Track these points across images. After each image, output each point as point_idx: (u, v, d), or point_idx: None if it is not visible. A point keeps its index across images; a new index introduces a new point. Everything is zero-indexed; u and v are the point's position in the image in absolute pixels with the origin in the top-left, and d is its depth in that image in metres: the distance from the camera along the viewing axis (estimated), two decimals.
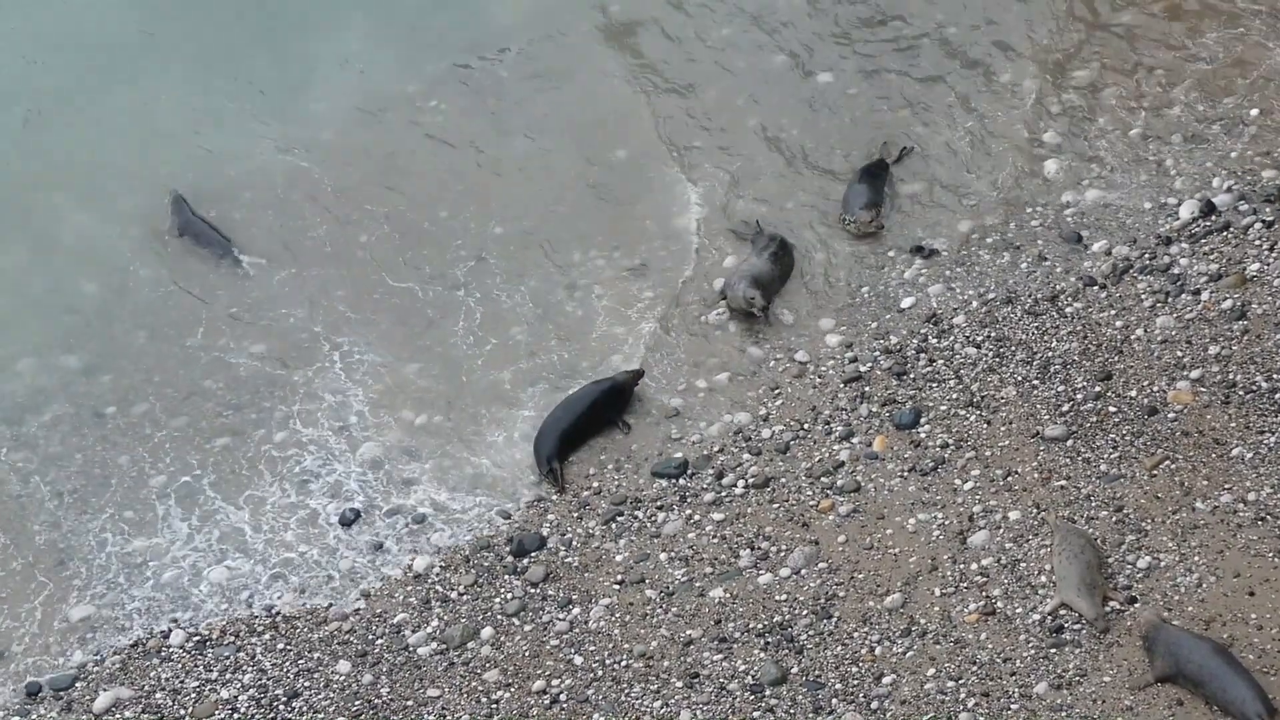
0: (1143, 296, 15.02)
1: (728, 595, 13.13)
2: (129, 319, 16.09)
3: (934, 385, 14.62)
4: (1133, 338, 14.63)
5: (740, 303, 15.54)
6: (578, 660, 12.87)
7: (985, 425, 14.11)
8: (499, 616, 13.36)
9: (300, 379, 15.62)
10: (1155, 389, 14.09)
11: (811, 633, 12.69)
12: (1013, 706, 11.87)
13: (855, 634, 12.61)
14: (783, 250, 16.03)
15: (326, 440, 15.11)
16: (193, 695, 13.03)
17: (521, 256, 16.68)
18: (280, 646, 13.35)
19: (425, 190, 17.35)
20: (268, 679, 13.09)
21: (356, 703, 12.80)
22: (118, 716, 12.96)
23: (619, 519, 14.05)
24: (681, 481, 14.26)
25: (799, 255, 16.28)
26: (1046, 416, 14.05)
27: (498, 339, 15.94)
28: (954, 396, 14.46)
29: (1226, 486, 13.09)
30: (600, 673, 12.76)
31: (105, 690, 13.11)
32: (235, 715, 12.86)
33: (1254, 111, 16.86)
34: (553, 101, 18.24)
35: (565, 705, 12.55)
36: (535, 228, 17.03)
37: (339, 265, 16.69)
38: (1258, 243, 15.25)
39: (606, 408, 14.88)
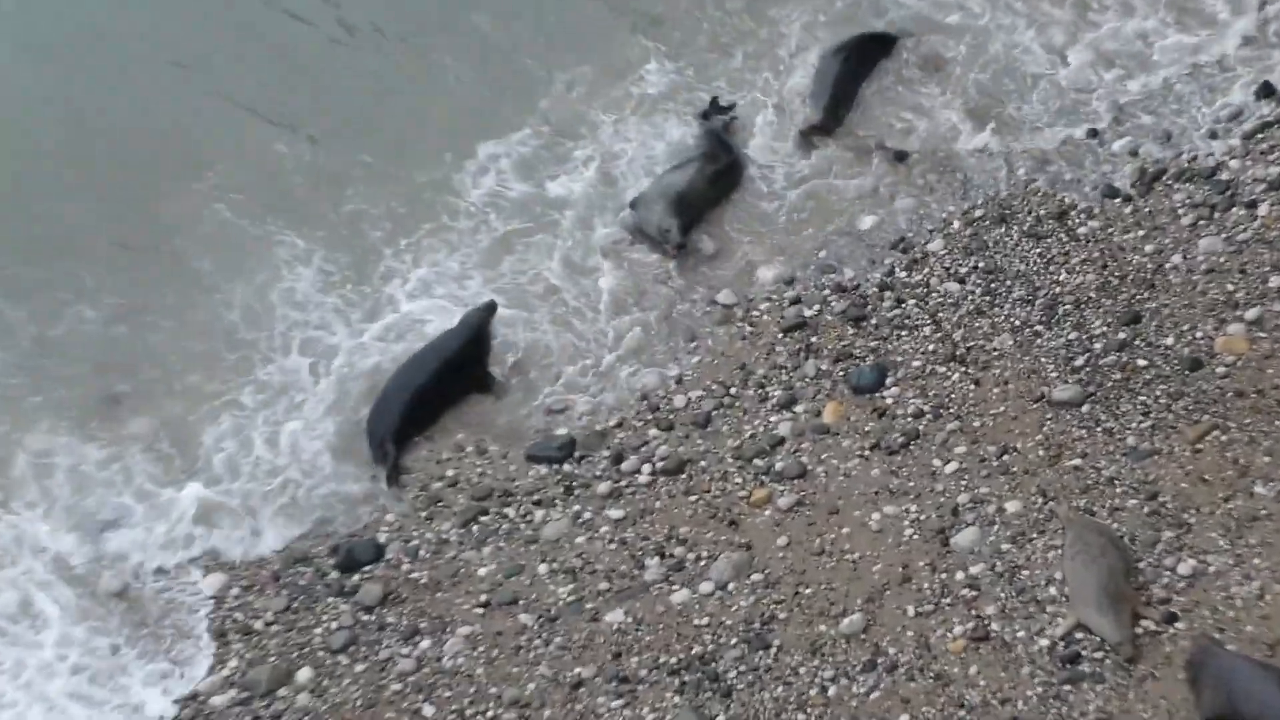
0: (1180, 211, 15.21)
1: (630, 619, 13.02)
2: None
3: (903, 334, 14.73)
4: (1167, 267, 14.76)
5: (653, 231, 15.74)
6: (428, 711, 12.74)
7: (973, 386, 14.17)
8: (321, 653, 13.17)
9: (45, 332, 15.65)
10: (1199, 335, 14.15)
11: (743, 668, 12.56)
12: None
13: (802, 669, 12.45)
14: (730, 171, 16.29)
15: (78, 420, 15.02)
16: None
17: (350, 160, 16.93)
18: None
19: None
20: None
21: None
22: None
23: (482, 519, 14.02)
24: (566, 467, 14.30)
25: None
26: (1054, 374, 14.10)
27: (303, 266, 16.03)
28: (930, 348, 14.55)
29: None
30: None
31: None
32: None
33: None
34: None
35: None
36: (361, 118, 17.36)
37: None
38: None
39: (464, 364, 14.98)
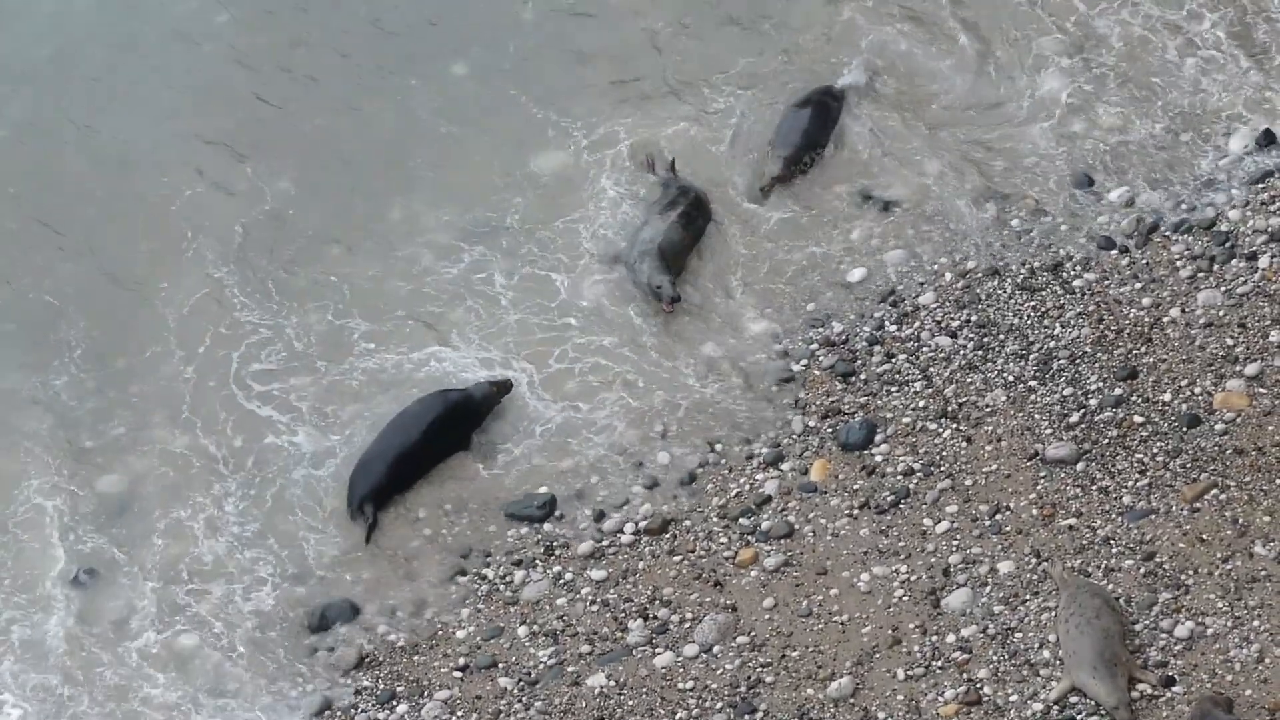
0: (1178, 263, 15.14)
1: (612, 683, 13.00)
2: None
3: (893, 389, 14.68)
4: (1165, 320, 14.68)
5: (645, 290, 15.79)
6: None
7: (965, 444, 14.15)
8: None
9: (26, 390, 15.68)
10: (1197, 391, 14.10)
11: None
12: None
13: None
14: (696, 210, 16.20)
15: (54, 480, 14.96)
16: None
17: (318, 204, 16.85)
18: None
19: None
20: None
21: None
22: None
23: (461, 579, 14.00)
24: (547, 526, 14.25)
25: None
26: (1048, 431, 14.06)
27: (293, 325, 15.94)
28: (921, 405, 14.53)
29: None
30: None
31: None
32: None
33: None
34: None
35: None
36: (335, 168, 17.23)
37: None
38: None
39: (454, 427, 14.85)
